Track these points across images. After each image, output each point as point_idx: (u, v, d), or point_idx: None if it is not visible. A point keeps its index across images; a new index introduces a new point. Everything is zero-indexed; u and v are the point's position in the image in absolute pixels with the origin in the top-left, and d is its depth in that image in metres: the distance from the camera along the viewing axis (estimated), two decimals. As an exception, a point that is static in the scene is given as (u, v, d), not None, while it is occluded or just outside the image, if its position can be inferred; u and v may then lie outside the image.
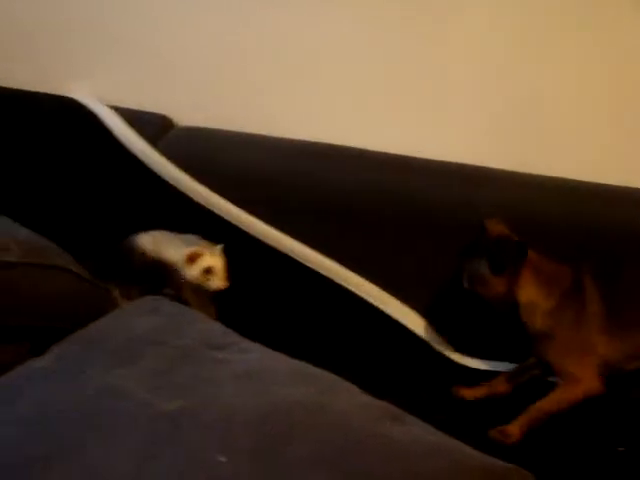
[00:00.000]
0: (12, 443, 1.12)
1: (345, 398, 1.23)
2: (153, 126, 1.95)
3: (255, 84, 2.02)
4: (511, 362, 1.68)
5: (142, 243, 1.70)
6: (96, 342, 1.33)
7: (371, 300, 1.72)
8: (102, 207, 1.90)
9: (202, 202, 1.82)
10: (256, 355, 1.30)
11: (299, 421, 1.16)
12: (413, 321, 1.73)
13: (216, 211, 1.81)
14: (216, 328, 1.39)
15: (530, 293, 1.50)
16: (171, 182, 1.86)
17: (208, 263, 1.62)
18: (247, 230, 1.79)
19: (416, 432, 1.18)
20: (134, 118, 1.96)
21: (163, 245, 1.69)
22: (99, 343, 1.32)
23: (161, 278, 1.67)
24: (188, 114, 2.03)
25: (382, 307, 1.72)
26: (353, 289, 1.73)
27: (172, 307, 1.42)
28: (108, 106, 2.00)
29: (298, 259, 1.75)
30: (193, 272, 1.62)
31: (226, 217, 1.80)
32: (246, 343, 1.33)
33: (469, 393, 1.59)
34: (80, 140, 1.95)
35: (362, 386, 1.25)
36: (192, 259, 1.60)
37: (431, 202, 1.78)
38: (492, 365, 1.69)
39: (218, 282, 1.62)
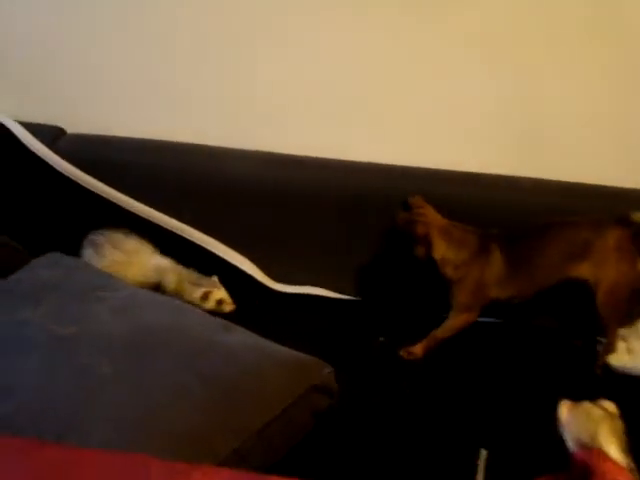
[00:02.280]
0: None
1: (191, 317, 1.60)
2: (48, 134, 2.14)
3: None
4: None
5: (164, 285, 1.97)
6: (11, 290, 1.68)
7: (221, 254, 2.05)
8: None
9: (94, 190, 2.06)
10: (127, 293, 1.65)
11: (160, 336, 1.52)
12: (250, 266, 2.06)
13: (105, 196, 2.06)
14: (101, 275, 1.73)
15: (442, 251, 1.78)
16: (69, 177, 2.09)
17: (219, 296, 1.94)
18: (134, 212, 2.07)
19: (242, 337, 1.55)
20: (32, 129, 2.14)
21: (181, 286, 1.96)
22: (13, 290, 1.67)
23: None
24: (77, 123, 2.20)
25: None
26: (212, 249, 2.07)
27: (69, 260, 1.76)
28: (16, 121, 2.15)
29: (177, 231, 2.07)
30: (209, 305, 1.92)
31: (117, 203, 2.06)
32: (121, 285, 1.68)
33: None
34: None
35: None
36: (205, 296, 1.92)
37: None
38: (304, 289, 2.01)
39: (229, 307, 1.94)
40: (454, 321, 1.76)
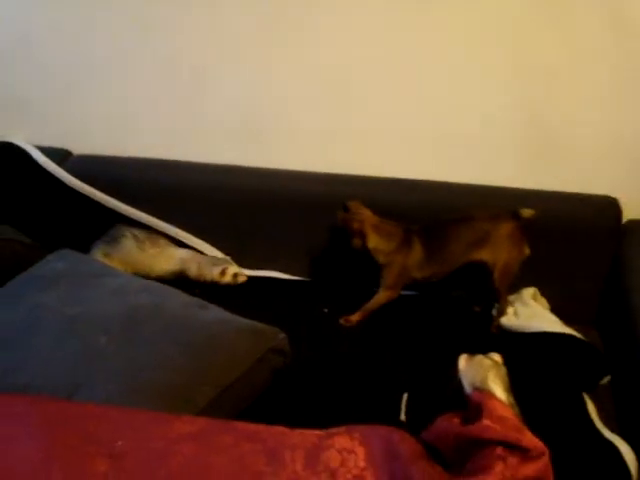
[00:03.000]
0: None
1: (173, 298, 1.71)
2: (57, 155, 2.19)
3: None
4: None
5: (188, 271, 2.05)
6: (30, 279, 1.78)
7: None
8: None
9: (100, 201, 2.09)
10: (123, 280, 1.78)
11: (148, 314, 1.62)
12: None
13: (111, 207, 2.09)
14: (101, 265, 1.88)
15: (374, 243, 1.87)
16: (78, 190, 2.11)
17: (233, 271, 2.02)
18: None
19: (213, 313, 1.67)
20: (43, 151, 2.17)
21: (202, 270, 2.02)
22: (32, 279, 1.78)
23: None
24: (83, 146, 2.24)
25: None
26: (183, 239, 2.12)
27: (76, 254, 1.89)
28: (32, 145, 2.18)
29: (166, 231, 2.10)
30: (226, 279, 2.00)
31: (114, 209, 2.09)
32: (118, 273, 1.83)
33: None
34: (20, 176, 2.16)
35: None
36: (223, 272, 2.00)
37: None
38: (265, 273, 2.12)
39: (242, 278, 2.03)
40: (382, 296, 1.93)
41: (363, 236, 1.86)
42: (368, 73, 1.98)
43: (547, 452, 1.20)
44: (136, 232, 2.06)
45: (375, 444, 1.26)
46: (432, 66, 1.94)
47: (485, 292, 1.93)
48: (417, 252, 1.87)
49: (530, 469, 1.17)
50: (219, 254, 2.12)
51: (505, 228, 1.83)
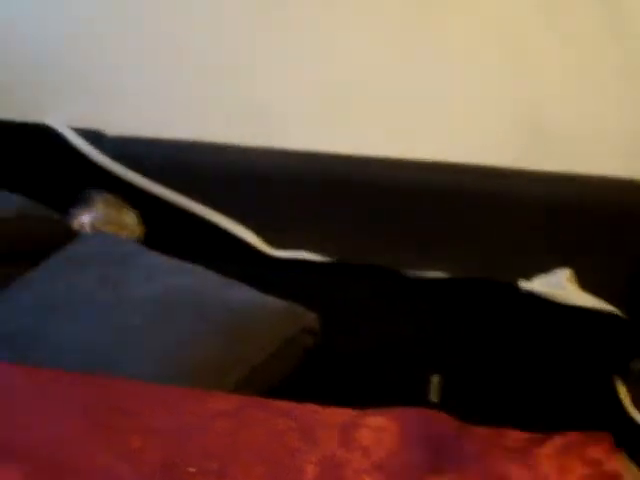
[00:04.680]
0: (15, 320, 1.61)
1: (204, 279, 1.72)
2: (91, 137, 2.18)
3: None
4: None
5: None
6: (65, 259, 1.80)
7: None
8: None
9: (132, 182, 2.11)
10: (155, 259, 1.79)
11: (179, 294, 1.64)
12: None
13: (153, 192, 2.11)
14: (136, 246, 1.89)
15: None
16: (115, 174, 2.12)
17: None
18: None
19: (245, 292, 1.68)
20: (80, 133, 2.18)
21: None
22: (66, 260, 1.80)
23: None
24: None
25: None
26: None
27: (110, 236, 1.94)
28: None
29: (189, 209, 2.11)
30: None
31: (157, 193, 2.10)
32: (149, 252, 1.82)
33: None
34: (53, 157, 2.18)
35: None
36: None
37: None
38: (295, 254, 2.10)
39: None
40: None
41: None
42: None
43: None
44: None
45: (410, 423, 1.25)
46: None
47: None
48: None
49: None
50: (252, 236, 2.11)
51: None
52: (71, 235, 1.93)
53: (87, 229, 2.03)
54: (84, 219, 2.04)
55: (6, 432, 1.23)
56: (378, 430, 1.25)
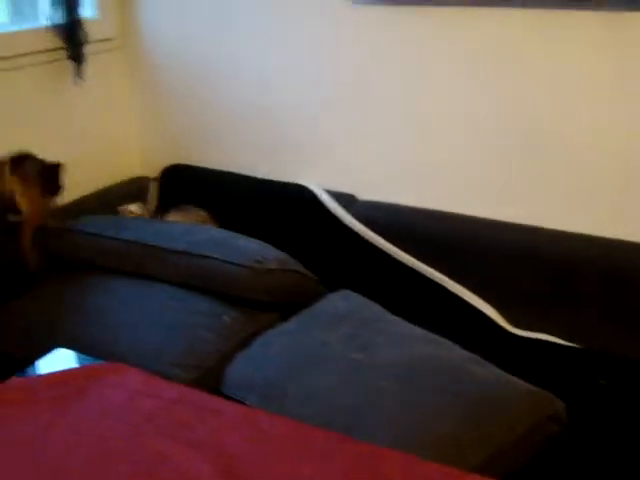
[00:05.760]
0: (269, 367, 1.71)
1: (452, 351, 1.73)
2: (343, 199, 2.30)
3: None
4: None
5: None
6: (315, 316, 1.90)
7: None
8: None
9: (381, 247, 2.16)
10: (403, 326, 1.83)
11: (425, 364, 1.66)
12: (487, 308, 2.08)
13: (393, 255, 2.14)
14: (380, 310, 1.91)
15: None
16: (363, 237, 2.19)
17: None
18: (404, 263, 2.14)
19: (490, 370, 1.66)
20: (334, 196, 2.31)
21: None
22: (317, 316, 1.90)
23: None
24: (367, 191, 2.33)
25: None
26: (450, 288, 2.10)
27: (357, 297, 1.97)
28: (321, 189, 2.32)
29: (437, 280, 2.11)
30: None
31: (398, 259, 2.13)
32: (394, 319, 1.86)
33: None
34: (306, 217, 2.31)
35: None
36: None
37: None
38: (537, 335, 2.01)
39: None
40: None
41: None
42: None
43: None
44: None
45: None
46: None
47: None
48: None
49: None
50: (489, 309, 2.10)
51: None
52: (320, 293, 2.02)
53: None
54: None
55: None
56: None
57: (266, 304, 1.99)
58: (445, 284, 2.09)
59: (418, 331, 1.81)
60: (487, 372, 1.65)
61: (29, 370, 1.62)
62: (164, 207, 2.46)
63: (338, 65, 2.29)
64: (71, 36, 2.36)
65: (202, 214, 2.37)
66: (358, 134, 2.32)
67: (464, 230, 2.16)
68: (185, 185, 2.55)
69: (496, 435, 1.49)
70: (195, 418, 1.39)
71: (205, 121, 2.58)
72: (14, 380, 1.54)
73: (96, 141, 2.60)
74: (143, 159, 2.75)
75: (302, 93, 2.37)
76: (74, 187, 2.18)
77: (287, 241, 2.17)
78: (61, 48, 2.38)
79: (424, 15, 2.10)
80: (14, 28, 2.38)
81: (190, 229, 2.20)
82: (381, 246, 2.16)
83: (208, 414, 1.41)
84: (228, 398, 1.61)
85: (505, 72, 2.05)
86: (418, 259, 2.13)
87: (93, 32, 2.44)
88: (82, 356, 1.66)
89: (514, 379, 1.63)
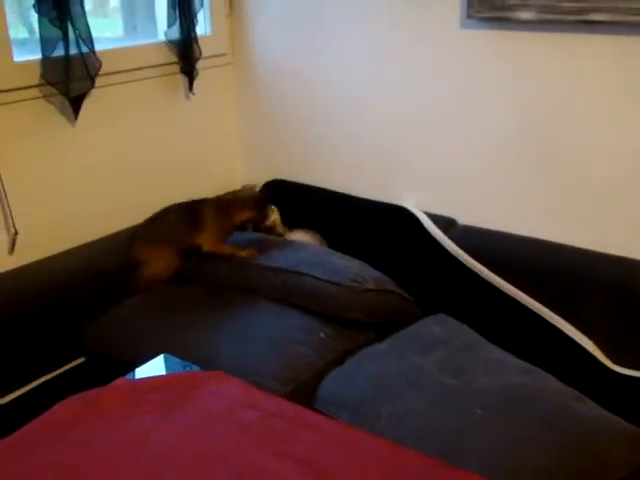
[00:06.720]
0: (362, 386, 1.72)
1: (548, 383, 1.70)
2: (443, 223, 2.30)
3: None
4: None
5: None
6: (410, 338, 1.91)
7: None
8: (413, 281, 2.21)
9: (479, 273, 2.13)
10: (496, 353, 1.82)
11: (523, 395, 1.65)
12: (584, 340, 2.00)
13: (491, 281, 2.11)
14: (475, 336, 1.91)
15: None
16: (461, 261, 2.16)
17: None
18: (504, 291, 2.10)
19: (591, 407, 1.63)
20: (431, 217, 2.31)
21: None
22: (412, 339, 1.91)
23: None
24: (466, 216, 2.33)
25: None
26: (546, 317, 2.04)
27: (453, 321, 1.98)
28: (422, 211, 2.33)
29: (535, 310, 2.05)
30: None
31: (496, 285, 2.09)
32: (489, 345, 1.86)
33: None
34: (407, 238, 2.31)
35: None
36: None
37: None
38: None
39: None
40: None
41: None
42: None
43: None
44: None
45: None
46: None
47: None
48: None
49: None
50: (589, 343, 2.06)
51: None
52: (416, 315, 2.03)
53: None
54: None
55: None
56: None
57: (362, 323, 2.01)
58: (543, 314, 2.06)
59: (513, 360, 1.80)
60: (586, 407, 1.63)
61: (135, 373, 1.69)
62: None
63: (441, 90, 2.28)
64: (185, 52, 2.46)
65: (317, 236, 2.41)
66: (460, 159, 2.31)
67: (565, 260, 2.11)
68: (285, 200, 2.59)
69: (594, 474, 1.46)
70: (293, 432, 1.42)
71: (306, 138, 2.63)
72: (121, 382, 1.62)
73: (200, 153, 2.68)
74: (244, 173, 2.82)
75: (405, 115, 2.37)
76: (177, 197, 2.26)
77: (385, 261, 2.19)
78: (175, 63, 2.49)
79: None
80: (128, 43, 2.49)
81: (295, 246, 2.26)
82: (479, 272, 2.14)
83: (305, 429, 1.43)
84: (320, 413, 1.63)
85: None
86: (517, 287, 2.09)
87: (205, 48, 2.53)
88: (186, 363, 1.73)
89: (615, 417, 1.60)
